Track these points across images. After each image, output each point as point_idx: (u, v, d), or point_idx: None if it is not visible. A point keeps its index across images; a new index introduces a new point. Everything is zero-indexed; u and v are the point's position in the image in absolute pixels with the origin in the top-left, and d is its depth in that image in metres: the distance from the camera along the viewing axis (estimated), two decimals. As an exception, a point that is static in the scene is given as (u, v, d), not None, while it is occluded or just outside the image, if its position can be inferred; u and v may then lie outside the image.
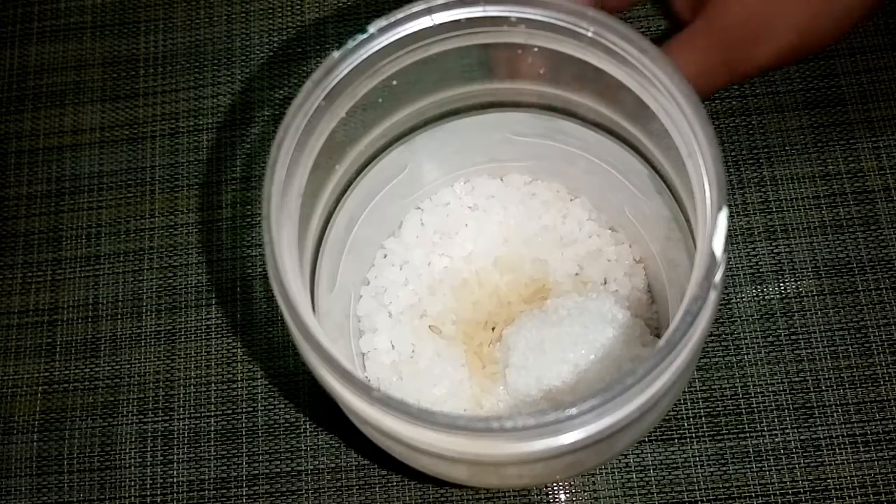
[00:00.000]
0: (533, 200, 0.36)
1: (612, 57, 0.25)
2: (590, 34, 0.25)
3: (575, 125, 0.32)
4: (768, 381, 0.36)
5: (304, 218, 0.27)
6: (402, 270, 0.35)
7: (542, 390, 0.31)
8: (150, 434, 0.37)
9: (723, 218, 0.23)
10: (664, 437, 0.35)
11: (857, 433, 0.35)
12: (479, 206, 0.36)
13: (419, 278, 0.35)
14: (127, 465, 0.37)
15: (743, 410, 0.35)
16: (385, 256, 0.36)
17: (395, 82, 0.28)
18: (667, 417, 0.36)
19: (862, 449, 0.35)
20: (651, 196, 0.31)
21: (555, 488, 0.35)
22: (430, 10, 0.26)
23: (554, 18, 0.26)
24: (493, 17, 0.26)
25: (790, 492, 0.34)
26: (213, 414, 0.37)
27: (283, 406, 0.37)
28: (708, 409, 0.36)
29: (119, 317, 0.39)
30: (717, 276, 0.23)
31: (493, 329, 0.34)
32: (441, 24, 0.26)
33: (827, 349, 0.36)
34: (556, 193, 0.36)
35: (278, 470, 0.36)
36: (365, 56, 0.26)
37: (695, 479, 0.35)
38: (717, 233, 0.23)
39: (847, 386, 0.36)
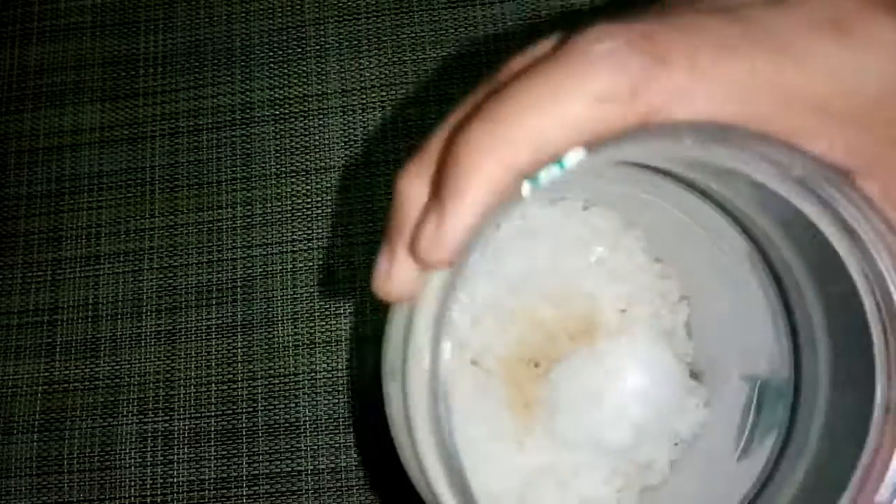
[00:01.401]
0: (585, 228, 0.33)
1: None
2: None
3: (693, 197, 0.28)
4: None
5: None
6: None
7: (594, 440, 0.30)
8: (150, 434, 0.37)
9: None
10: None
11: (857, 433, 0.35)
12: (529, 232, 0.33)
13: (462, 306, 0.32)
14: (127, 465, 0.37)
15: (743, 410, 0.35)
16: None
17: None
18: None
19: (862, 449, 0.35)
20: (737, 270, 0.28)
21: (555, 488, 0.35)
22: None
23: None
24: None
25: (790, 492, 0.34)
26: (213, 414, 0.37)
27: (283, 406, 0.37)
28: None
29: (119, 317, 0.39)
30: None
31: (535, 366, 0.32)
32: None
33: (827, 349, 0.36)
34: (610, 223, 0.33)
35: (278, 470, 0.36)
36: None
37: (695, 479, 0.35)
38: None
39: (847, 386, 0.36)
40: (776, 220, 0.25)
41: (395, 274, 0.20)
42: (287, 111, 0.42)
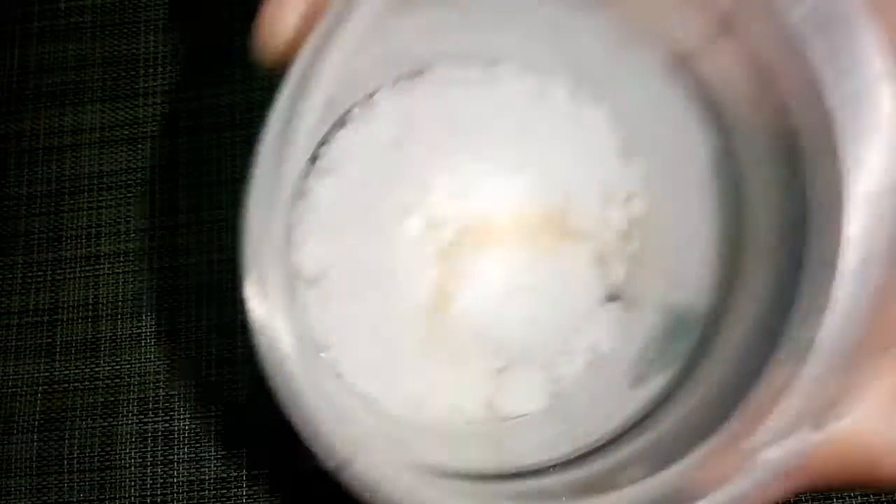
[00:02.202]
0: (574, 124, 0.28)
1: None
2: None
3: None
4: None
5: None
6: None
7: (483, 332, 0.27)
8: (150, 434, 0.37)
9: None
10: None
11: (857, 433, 0.35)
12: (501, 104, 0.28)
13: None
14: (127, 465, 0.37)
15: (743, 410, 0.35)
16: None
17: None
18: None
19: (862, 449, 0.35)
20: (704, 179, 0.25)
21: (555, 488, 0.35)
22: None
23: None
24: None
25: (790, 492, 0.34)
26: (213, 414, 0.37)
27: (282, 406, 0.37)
28: (708, 410, 0.36)
29: (119, 317, 0.39)
30: None
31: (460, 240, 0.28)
32: None
33: (827, 349, 0.36)
34: (599, 114, 0.28)
35: (278, 470, 0.36)
36: None
37: (695, 479, 0.35)
38: None
39: (847, 386, 0.36)
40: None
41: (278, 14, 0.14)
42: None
